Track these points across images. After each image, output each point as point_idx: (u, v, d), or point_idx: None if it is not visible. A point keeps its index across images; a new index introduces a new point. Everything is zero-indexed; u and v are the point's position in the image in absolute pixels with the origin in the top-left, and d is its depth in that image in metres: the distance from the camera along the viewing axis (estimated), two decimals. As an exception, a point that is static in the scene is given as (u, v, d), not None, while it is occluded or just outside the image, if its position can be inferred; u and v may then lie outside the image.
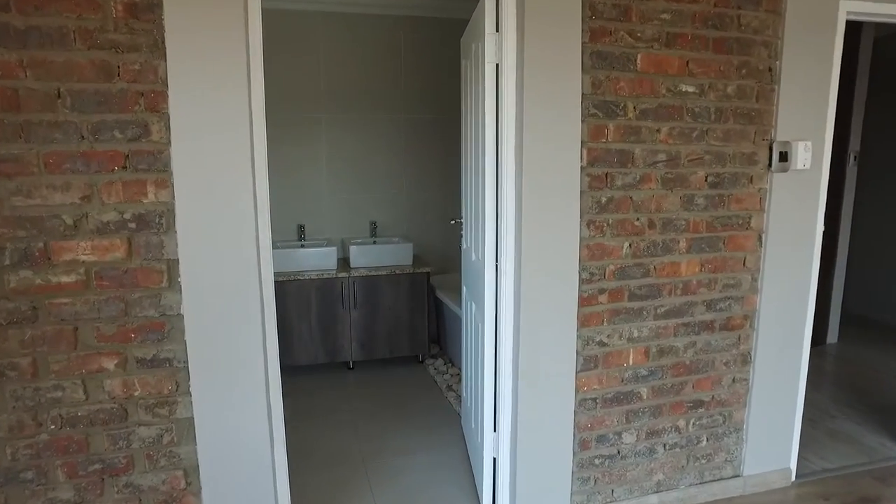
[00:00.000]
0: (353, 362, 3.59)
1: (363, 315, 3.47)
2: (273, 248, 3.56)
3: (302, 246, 3.69)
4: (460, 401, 2.96)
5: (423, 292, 3.54)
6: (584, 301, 1.94)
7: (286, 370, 3.48)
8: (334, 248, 3.46)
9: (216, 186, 1.64)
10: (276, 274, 3.15)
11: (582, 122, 1.84)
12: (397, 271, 3.46)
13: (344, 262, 3.64)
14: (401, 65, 3.82)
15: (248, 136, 1.66)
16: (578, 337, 1.95)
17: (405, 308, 3.53)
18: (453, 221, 2.81)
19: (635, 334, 2.02)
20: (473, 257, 2.34)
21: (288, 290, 3.33)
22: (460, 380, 3.16)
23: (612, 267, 1.95)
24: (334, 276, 3.36)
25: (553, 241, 1.87)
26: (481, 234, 2.09)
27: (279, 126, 3.64)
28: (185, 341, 1.62)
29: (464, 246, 2.64)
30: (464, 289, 2.65)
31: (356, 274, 3.40)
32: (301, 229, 3.71)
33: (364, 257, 3.51)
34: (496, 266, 2.01)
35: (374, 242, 3.83)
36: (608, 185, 1.91)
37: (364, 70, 3.76)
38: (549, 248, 1.87)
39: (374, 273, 3.42)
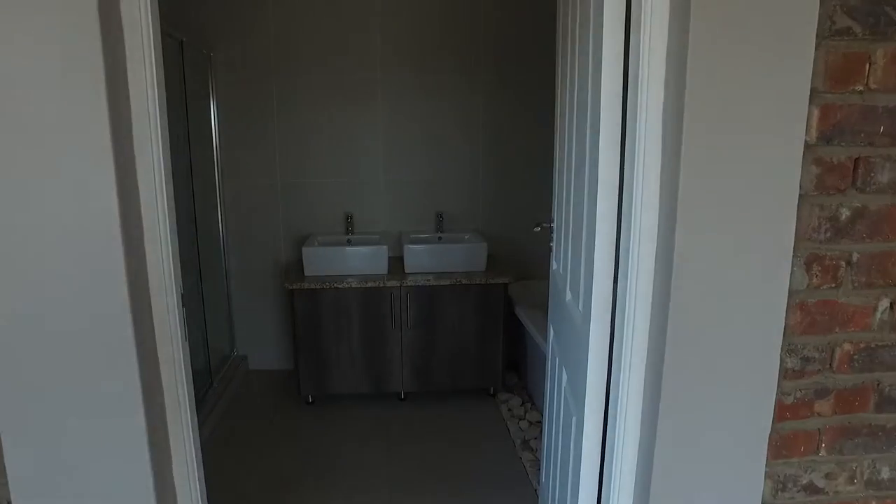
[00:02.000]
0: (405, 393, 2.81)
1: (419, 335, 2.66)
2: (308, 246, 2.73)
3: (349, 242, 2.93)
4: (538, 467, 2.10)
5: (499, 308, 2.68)
6: (785, 410, 1.00)
7: (319, 401, 2.77)
8: (384, 248, 2.66)
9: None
10: (308, 280, 2.45)
11: (816, 45, 0.87)
12: (465, 280, 2.61)
13: (397, 263, 2.84)
14: (480, 8, 2.90)
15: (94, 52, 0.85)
16: (769, 476, 1.02)
17: (474, 328, 2.68)
18: (539, 227, 1.91)
19: (883, 475, 1.05)
20: (568, 297, 1.45)
21: (322, 300, 2.58)
22: (541, 432, 2.29)
23: (848, 347, 0.99)
24: (383, 284, 2.57)
25: (732, 291, 0.94)
26: (584, 264, 1.20)
27: (318, 87, 2.88)
28: None
29: (553, 266, 1.74)
30: (550, 331, 1.76)
31: (412, 281, 2.59)
32: (349, 220, 2.95)
33: (423, 259, 2.68)
34: (610, 327, 1.12)
35: (440, 239, 2.99)
36: (858, 183, 0.94)
37: (431, 15, 2.89)
38: (724, 305, 0.94)
39: (435, 282, 2.59)
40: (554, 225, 1.74)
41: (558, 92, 1.68)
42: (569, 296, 1.44)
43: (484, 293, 2.66)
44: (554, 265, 1.73)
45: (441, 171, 3.04)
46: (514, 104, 3.02)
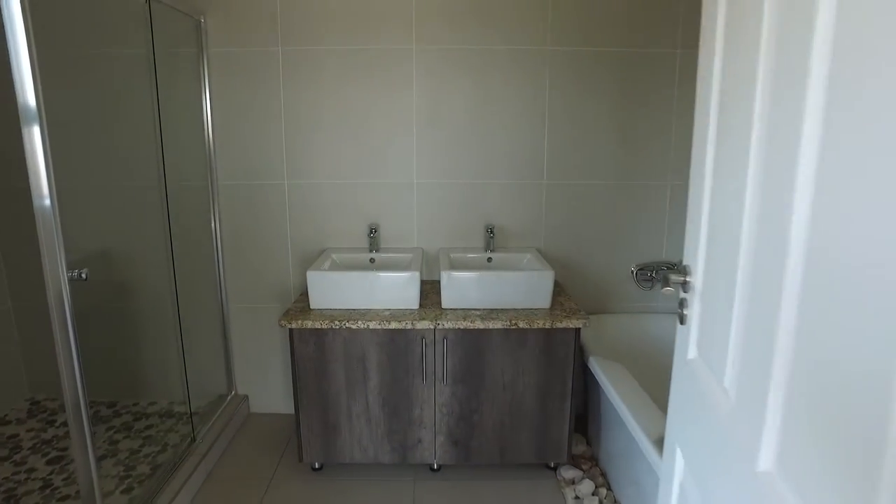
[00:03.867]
0: (438, 464, 2.15)
1: (459, 393, 2.00)
2: (318, 269, 2.03)
3: (371, 262, 2.28)
4: None
5: (568, 360, 1.98)
6: None
7: (328, 468, 2.14)
8: (415, 276, 2.00)
9: None
10: (313, 315, 1.79)
11: None
12: (524, 322, 1.92)
13: (432, 293, 2.18)
14: (551, -46, 2.20)
15: None
16: None
17: (533, 385, 1.99)
18: (667, 288, 1.22)
19: None
20: (731, 423, 0.74)
21: (331, 344, 1.94)
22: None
23: None
24: (412, 325, 1.90)
25: None
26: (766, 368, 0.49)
27: (335, 63, 2.23)
28: None
29: (690, 352, 1.04)
30: (675, 451, 1.06)
31: (451, 322, 1.91)
32: (372, 233, 2.30)
33: (467, 291, 2.01)
34: None
35: (490, 262, 2.31)
36: None
37: (487, -35, 2.20)
38: None
39: (482, 323, 1.91)
40: (693, 281, 1.03)
41: (709, 65, 0.97)
42: (738, 427, 0.73)
43: (548, 340, 1.96)
44: (692, 352, 1.03)
45: (492, 172, 2.35)
46: (594, 86, 2.30)
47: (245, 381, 2.55)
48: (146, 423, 2.37)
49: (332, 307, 2.00)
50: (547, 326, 1.92)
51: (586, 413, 2.35)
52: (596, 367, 1.98)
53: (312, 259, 2.37)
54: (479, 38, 2.23)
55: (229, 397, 2.52)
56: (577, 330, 1.97)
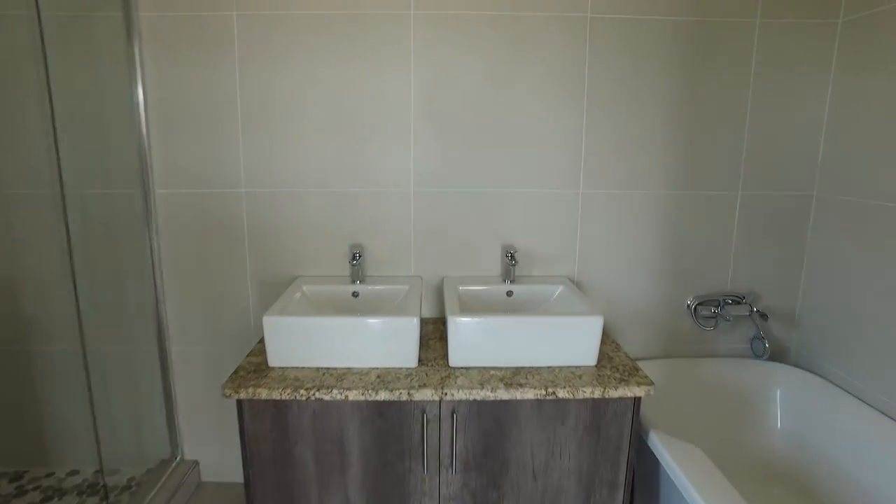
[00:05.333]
0: (445, 572, 1.61)
1: (472, 483, 1.45)
2: (276, 314, 1.37)
3: (354, 295, 1.73)
4: None
5: (622, 438, 1.44)
6: None
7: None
8: (412, 322, 1.44)
9: None
10: (271, 379, 1.19)
11: None
12: (562, 389, 1.37)
13: (435, 342, 1.64)
14: None
15: None
16: None
17: (573, 472, 1.45)
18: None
19: None
20: None
21: (295, 421, 1.40)
22: None
23: None
24: (409, 394, 1.35)
25: None
26: None
27: (308, 32, 1.68)
28: None
29: None
30: None
31: (462, 389, 1.37)
32: (355, 258, 1.74)
33: (482, 343, 1.46)
34: None
35: (510, 294, 1.77)
36: None
37: None
38: None
39: (505, 391, 1.37)
40: None
41: None
42: None
43: (596, 412, 1.42)
44: None
45: (512, 179, 1.81)
46: (647, 66, 1.76)
47: (195, 443, 2.00)
48: (60, 502, 1.82)
49: (298, 365, 1.45)
50: (596, 396, 1.38)
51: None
52: (663, 450, 1.44)
53: (279, 288, 1.82)
54: (498, 0, 1.68)
55: (174, 463, 1.97)
56: (637, 400, 1.43)
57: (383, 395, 1.35)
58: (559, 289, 1.75)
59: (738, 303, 1.90)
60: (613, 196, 1.83)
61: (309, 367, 1.45)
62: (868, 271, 1.68)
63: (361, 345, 1.44)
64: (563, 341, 1.47)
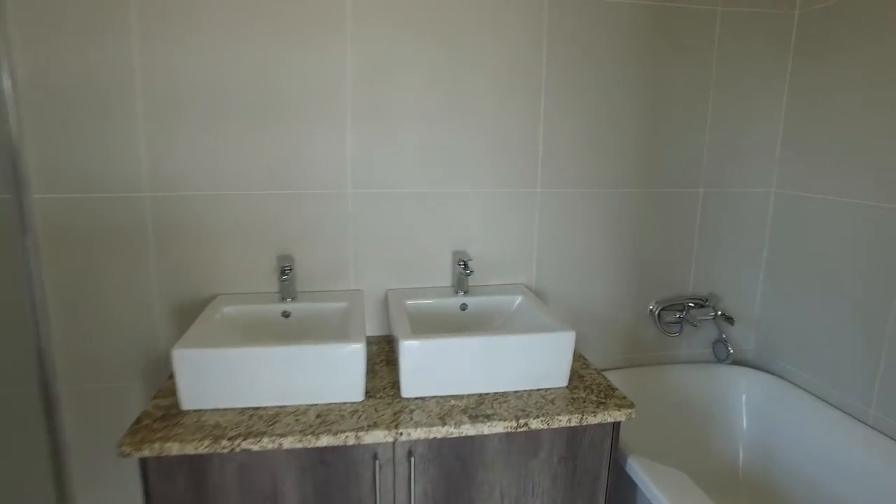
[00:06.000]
0: None
1: (432, 532, 1.25)
2: (190, 345, 1.06)
3: (285, 315, 1.48)
4: None
5: (600, 467, 1.28)
6: None
7: None
8: (356, 350, 1.21)
9: None
10: (183, 426, 0.93)
11: None
12: (535, 419, 1.20)
13: (383, 368, 1.42)
14: None
15: None
16: None
17: (545, 507, 1.28)
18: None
19: None
20: None
21: (216, 476, 1.13)
22: None
23: None
24: (357, 438, 1.13)
25: None
26: None
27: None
28: None
29: None
30: None
31: (419, 430, 1.16)
32: (286, 270, 1.48)
33: (439, 369, 1.26)
34: None
35: (464, 308, 1.58)
36: None
37: None
38: None
39: (469, 429, 1.17)
40: None
41: None
42: None
43: (572, 441, 1.26)
44: None
45: (464, 178, 1.61)
46: (611, 53, 1.62)
47: None
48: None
49: (219, 406, 1.20)
50: (573, 424, 1.21)
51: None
52: (645, 478, 1.29)
53: (194, 309, 1.54)
54: (445, -25, 1.49)
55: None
56: (616, 425, 1.27)
57: (326, 440, 1.12)
58: (518, 299, 1.58)
59: (702, 306, 1.80)
60: (572, 195, 1.68)
61: (233, 409, 1.20)
62: (826, 268, 1.61)
63: (296, 378, 1.20)
64: (532, 362, 1.30)
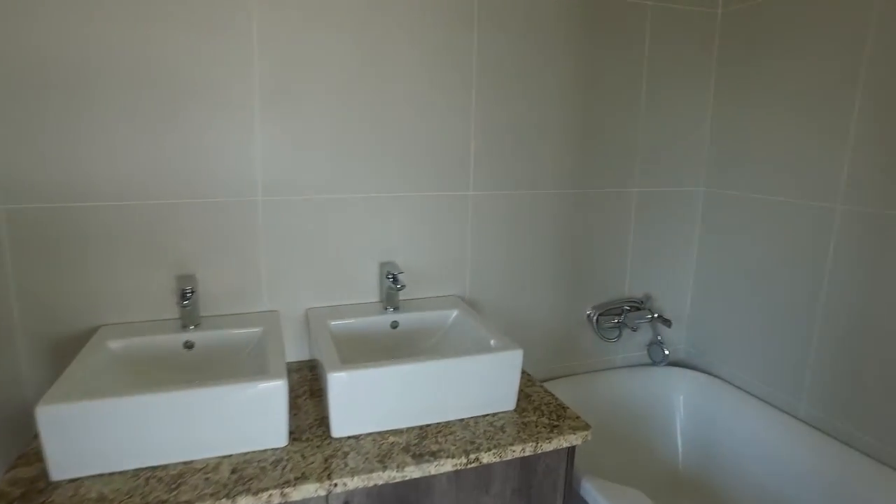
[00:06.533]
0: None
1: (373, 589, 1.09)
2: (58, 400, 0.85)
3: (188, 347, 1.26)
4: None
5: (554, 494, 1.18)
6: None
7: None
8: (278, 387, 1.03)
9: None
10: None
11: None
12: (487, 453, 1.07)
13: (303, 393, 1.24)
14: None
15: None
16: None
17: (496, 544, 1.16)
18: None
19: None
20: None
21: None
22: None
23: None
24: (281, 498, 0.94)
25: None
26: None
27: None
28: None
29: None
30: None
31: (357, 479, 0.99)
32: (187, 293, 1.25)
33: (375, 403, 1.10)
34: None
35: (395, 326, 1.42)
36: None
37: None
38: None
39: (413, 470, 1.02)
40: None
41: None
42: None
43: (525, 470, 1.14)
44: None
45: (391, 181, 1.46)
46: (545, 44, 1.52)
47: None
48: None
49: (102, 471, 0.97)
50: (527, 454, 1.10)
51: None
52: (593, 495, 1.20)
53: (72, 345, 1.27)
54: (363, -46, 1.32)
55: None
56: (571, 449, 1.17)
57: (245, 503, 0.92)
58: (454, 313, 1.45)
59: (638, 308, 1.75)
60: (507, 198, 1.57)
61: (123, 473, 0.97)
62: (753, 266, 1.62)
63: (204, 427, 1.00)
64: (478, 386, 1.17)
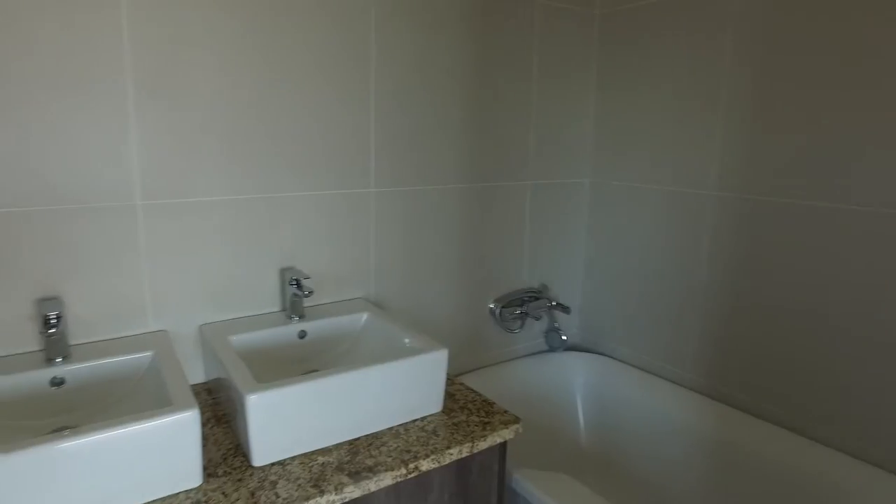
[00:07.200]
0: None
1: None
2: None
3: (55, 384, 1.05)
4: None
5: (489, 493, 1.16)
6: None
7: None
8: (188, 417, 0.89)
9: None
10: None
11: None
12: (425, 459, 1.02)
13: (210, 419, 1.10)
14: None
15: None
16: None
17: (433, 552, 1.12)
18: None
19: None
20: None
21: None
22: None
23: None
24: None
25: None
26: None
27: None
28: None
29: None
30: None
31: None
32: (49, 322, 1.04)
33: (298, 423, 1.00)
34: None
35: (303, 336, 1.32)
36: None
37: None
38: None
39: (353, 491, 0.94)
40: None
41: None
42: None
43: (461, 473, 1.11)
44: None
45: (289, 180, 1.34)
46: (446, 31, 1.49)
47: None
48: None
49: (-38, 550, 0.77)
50: (464, 455, 1.07)
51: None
52: (534, 491, 1.20)
53: None
54: (249, -71, 1.19)
55: None
56: (503, 444, 1.17)
57: (161, 560, 0.79)
58: (363, 316, 1.38)
59: (537, 298, 1.81)
60: (408, 194, 1.53)
61: (-10, 548, 0.78)
62: (637, 251, 1.74)
63: (95, 480, 0.83)
64: (406, 391, 1.12)
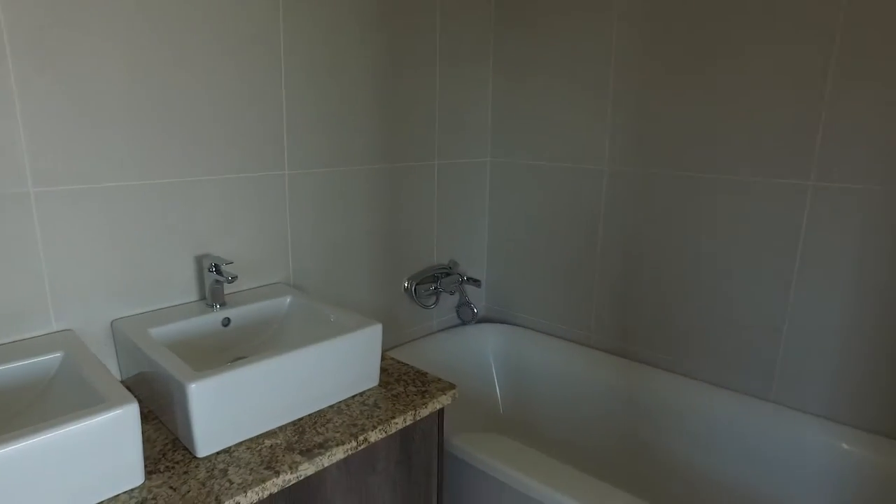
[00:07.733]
0: None
1: None
2: None
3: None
4: None
5: (431, 465, 1.21)
6: None
7: None
8: (128, 411, 0.84)
9: None
10: None
11: None
12: (373, 431, 1.04)
13: (146, 423, 1.03)
14: None
15: None
16: None
17: (380, 522, 1.15)
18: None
19: None
20: None
21: None
22: None
23: None
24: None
25: None
26: None
27: None
28: None
29: None
30: None
31: (248, 494, 0.88)
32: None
33: (243, 408, 0.97)
34: None
35: (227, 323, 1.27)
36: None
37: None
38: None
39: (307, 468, 0.94)
40: None
41: None
42: None
43: (405, 442, 1.15)
44: None
45: (199, 163, 1.28)
46: (354, 10, 1.48)
47: None
48: None
49: None
50: (408, 423, 1.10)
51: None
52: (474, 453, 1.27)
53: None
54: None
55: None
56: (441, 411, 1.22)
57: (116, 561, 0.75)
58: (287, 299, 1.36)
59: (448, 274, 1.87)
60: (322, 176, 1.51)
61: None
62: (537, 225, 1.87)
63: (22, 495, 0.76)
64: (345, 367, 1.13)
